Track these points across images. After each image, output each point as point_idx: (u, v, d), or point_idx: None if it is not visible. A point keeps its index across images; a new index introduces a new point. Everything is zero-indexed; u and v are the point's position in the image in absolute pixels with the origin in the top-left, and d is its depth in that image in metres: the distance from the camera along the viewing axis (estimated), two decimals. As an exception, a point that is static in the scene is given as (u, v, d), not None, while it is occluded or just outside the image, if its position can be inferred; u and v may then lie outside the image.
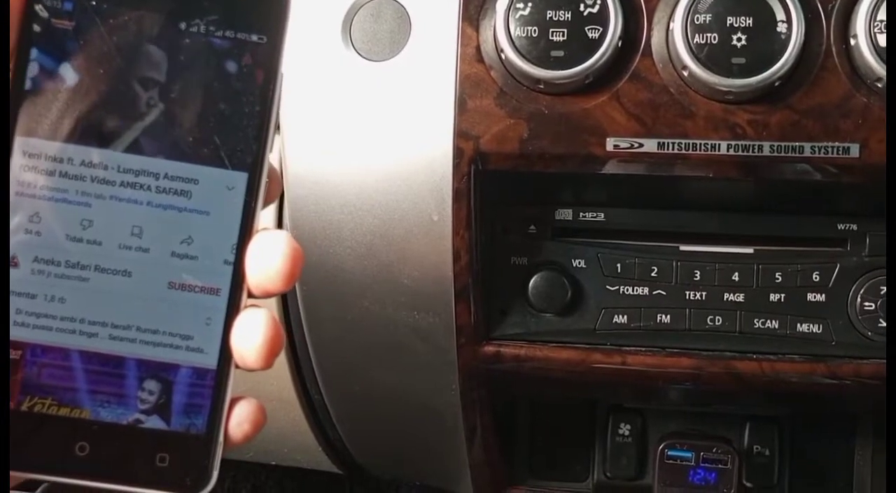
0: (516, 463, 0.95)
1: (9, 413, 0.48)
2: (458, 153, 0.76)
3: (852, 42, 0.72)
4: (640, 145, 0.74)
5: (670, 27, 0.73)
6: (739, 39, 0.71)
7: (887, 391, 0.65)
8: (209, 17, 0.49)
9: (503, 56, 0.74)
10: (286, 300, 0.87)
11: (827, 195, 0.78)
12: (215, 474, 0.49)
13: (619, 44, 0.73)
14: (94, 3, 0.48)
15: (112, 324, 0.49)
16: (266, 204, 0.50)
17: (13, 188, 0.48)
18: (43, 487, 0.53)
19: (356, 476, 1.04)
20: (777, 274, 0.79)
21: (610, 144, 0.75)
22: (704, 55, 0.71)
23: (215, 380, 0.49)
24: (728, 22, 0.71)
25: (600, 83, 0.75)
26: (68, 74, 0.48)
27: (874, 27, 0.70)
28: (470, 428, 0.87)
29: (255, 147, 0.50)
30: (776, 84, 0.72)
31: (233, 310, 0.49)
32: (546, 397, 0.94)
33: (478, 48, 0.76)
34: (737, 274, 0.80)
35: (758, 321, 0.80)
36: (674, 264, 0.80)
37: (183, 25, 0.49)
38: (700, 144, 0.74)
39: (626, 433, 0.92)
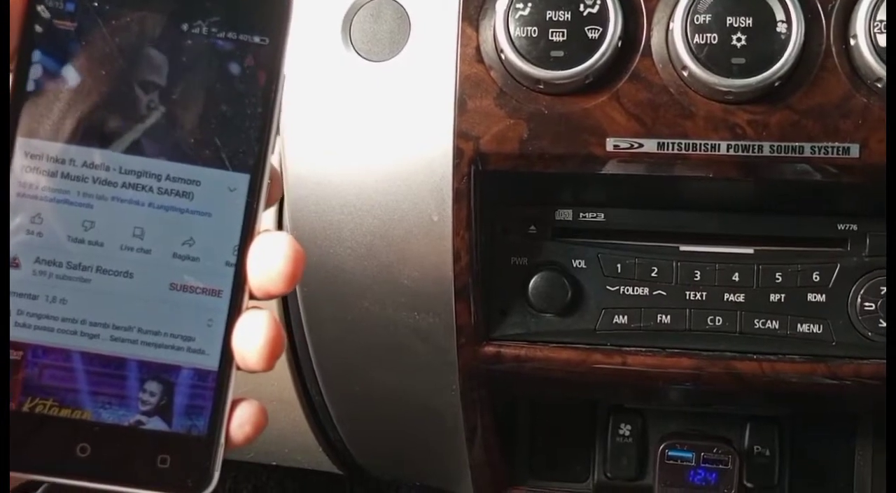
0: (517, 463, 0.95)
1: (9, 414, 0.48)
2: (458, 154, 0.76)
3: (852, 42, 0.72)
4: (640, 145, 0.74)
5: (670, 27, 0.73)
6: (739, 39, 0.71)
7: (887, 391, 0.65)
8: (211, 19, 0.49)
9: (503, 56, 0.74)
10: (286, 301, 0.87)
11: (827, 195, 0.78)
12: (216, 475, 0.49)
13: (619, 44, 0.73)
14: (96, 4, 0.48)
15: (113, 325, 0.49)
16: (268, 205, 0.50)
17: (15, 189, 0.48)
18: (43, 487, 0.53)
19: (356, 477, 1.04)
20: (777, 274, 0.79)
21: (610, 144, 0.74)
22: (704, 55, 0.71)
23: (217, 381, 0.49)
24: (728, 22, 0.71)
25: (600, 83, 0.74)
26: (70, 75, 0.48)
27: (874, 27, 0.70)
28: (470, 429, 0.87)
29: (256, 149, 0.50)
30: (776, 84, 0.72)
31: (234, 311, 0.49)
32: (546, 398, 0.94)
33: (477, 48, 0.76)
34: (737, 274, 0.80)
35: (758, 322, 0.80)
36: (674, 264, 0.80)
37: (185, 27, 0.49)
38: (700, 144, 0.74)
39: (627, 433, 0.92)
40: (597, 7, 0.73)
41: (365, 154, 0.78)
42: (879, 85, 0.71)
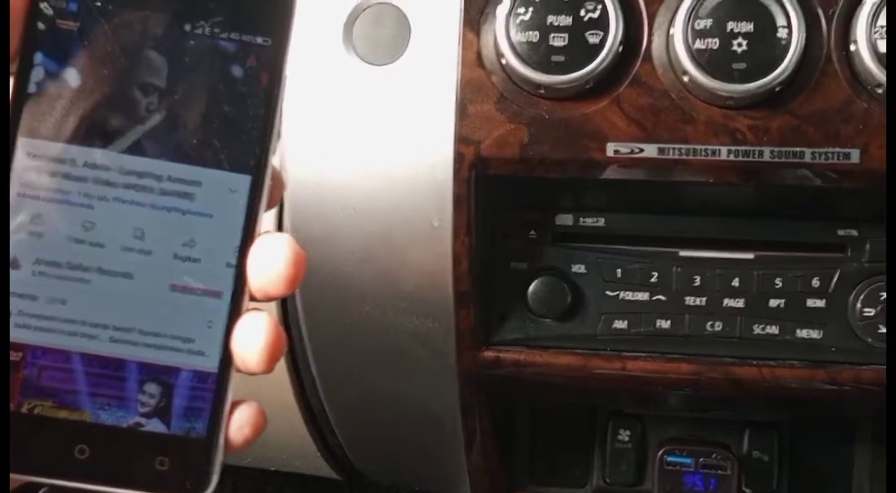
0: (516, 469, 0.95)
1: (9, 414, 0.47)
2: (458, 158, 0.76)
3: (853, 48, 0.72)
4: (641, 150, 0.74)
5: (671, 32, 0.73)
6: (740, 45, 0.71)
7: (887, 397, 0.65)
8: (214, 19, 0.49)
9: (504, 61, 0.74)
10: (286, 305, 0.87)
11: (827, 201, 0.78)
12: (215, 478, 0.49)
13: (620, 49, 0.73)
14: (98, 3, 0.48)
15: (113, 326, 0.49)
16: (269, 207, 0.50)
17: (16, 189, 0.48)
18: (43, 491, 0.53)
19: (355, 482, 1.04)
20: (777, 280, 0.79)
21: (610, 149, 0.74)
22: (705, 60, 0.71)
23: (216, 383, 0.49)
24: (728, 27, 0.71)
25: (601, 88, 0.74)
26: (72, 75, 0.48)
27: (874, 33, 0.70)
28: (469, 434, 0.87)
29: (258, 150, 0.49)
30: (777, 89, 0.72)
31: (234, 313, 0.49)
32: (546, 403, 0.94)
33: (478, 53, 0.76)
34: (737, 280, 0.80)
35: (758, 327, 0.80)
36: (674, 269, 0.80)
37: (188, 27, 0.49)
38: (700, 149, 0.74)
39: (626, 438, 0.92)
40: (598, 12, 0.73)
41: (365, 158, 0.78)
42: (880, 90, 0.71)
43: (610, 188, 0.79)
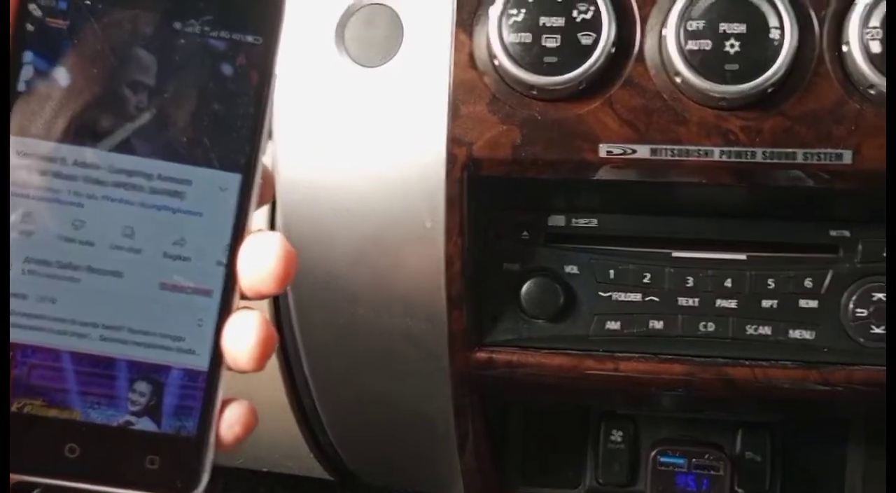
0: (508, 470, 0.94)
1: (9, 414, 0.47)
2: (451, 159, 0.76)
3: (845, 49, 0.72)
4: (634, 151, 0.74)
5: (663, 34, 0.73)
6: (732, 46, 0.71)
7: (887, 397, 0.65)
8: (204, 18, 0.49)
9: (496, 62, 0.74)
10: (278, 306, 0.87)
11: (819, 202, 0.78)
12: (206, 477, 0.49)
13: (613, 50, 0.73)
14: (88, 2, 0.48)
15: (103, 325, 0.48)
16: (259, 205, 0.50)
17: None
18: (37, 491, 0.53)
19: (348, 483, 1.03)
20: (769, 280, 0.79)
21: (603, 150, 0.74)
22: (697, 62, 0.71)
23: (206, 382, 0.49)
24: (721, 28, 0.71)
25: (593, 89, 0.74)
26: (62, 74, 0.48)
27: (866, 34, 0.70)
28: (462, 434, 0.87)
29: (248, 148, 0.49)
30: (769, 90, 0.72)
31: (225, 311, 0.49)
32: (538, 404, 0.94)
33: (471, 54, 0.76)
34: (729, 280, 0.80)
35: (750, 328, 0.80)
36: (666, 270, 0.80)
37: (178, 25, 0.49)
38: (693, 150, 0.74)
39: (619, 439, 0.92)
40: (590, 13, 0.73)
41: (358, 160, 0.78)
42: (872, 91, 0.71)
43: (602, 189, 0.79)
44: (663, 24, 0.73)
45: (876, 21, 0.70)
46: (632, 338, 0.81)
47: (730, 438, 0.92)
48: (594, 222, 0.81)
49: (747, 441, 0.91)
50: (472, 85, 0.76)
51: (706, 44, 0.71)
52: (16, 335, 0.48)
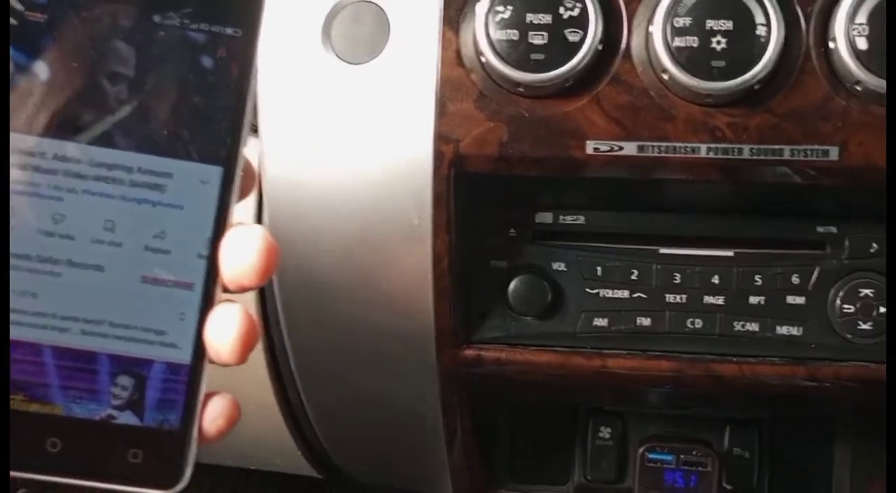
0: (496, 467, 0.94)
1: (9, 414, 0.47)
2: (438, 156, 0.76)
3: (831, 45, 0.72)
4: (620, 148, 0.74)
5: (650, 30, 0.73)
6: (719, 42, 0.71)
7: (887, 396, 0.65)
8: (184, 10, 0.49)
9: (483, 59, 0.74)
10: (265, 302, 0.86)
11: (806, 198, 0.78)
12: (189, 470, 0.49)
13: (600, 47, 0.73)
14: None
15: (84, 319, 0.48)
16: (240, 198, 0.50)
17: None
18: (21, 492, 0.53)
19: (335, 480, 1.03)
20: (757, 277, 0.80)
21: (590, 147, 0.74)
22: (684, 58, 0.71)
23: (189, 375, 0.49)
24: (707, 25, 0.71)
25: (580, 86, 0.74)
26: (41, 67, 0.48)
27: (853, 30, 0.70)
28: (450, 432, 0.87)
29: (229, 141, 0.49)
30: (756, 87, 0.72)
31: (207, 304, 0.49)
32: (526, 401, 0.94)
33: (458, 51, 0.76)
34: (717, 277, 0.80)
35: (738, 324, 0.80)
36: (654, 266, 0.80)
37: (157, 18, 0.49)
38: (680, 147, 0.74)
39: (607, 436, 0.92)
40: (577, 10, 0.73)
41: (344, 157, 0.78)
42: (859, 88, 0.71)
43: (590, 186, 0.79)
44: (650, 20, 0.73)
45: (862, 17, 0.70)
46: (619, 335, 0.81)
47: (718, 434, 0.92)
48: (581, 219, 0.81)
49: (735, 438, 0.91)
50: (458, 82, 0.76)
51: (693, 40, 0.71)
52: None
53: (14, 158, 0.48)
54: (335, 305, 0.81)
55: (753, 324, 0.80)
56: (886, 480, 0.63)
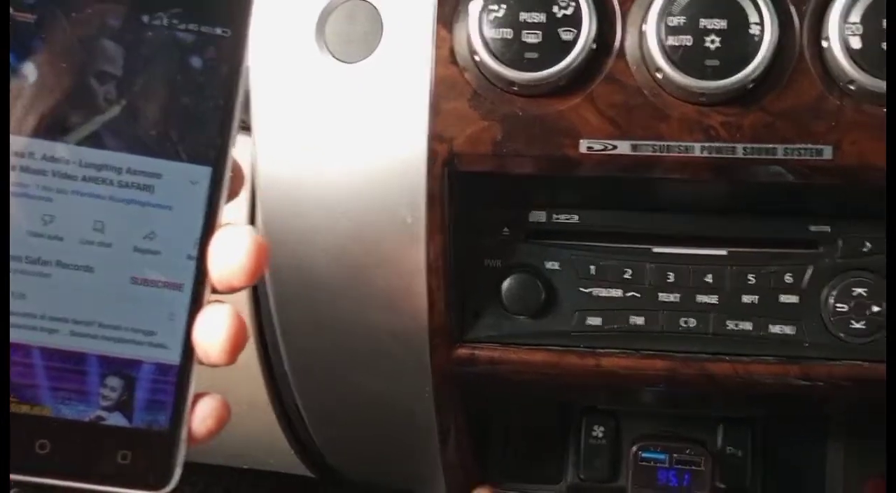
0: (490, 465, 0.95)
1: (9, 413, 0.47)
2: (431, 155, 0.76)
3: (825, 44, 0.72)
4: (614, 147, 0.74)
5: (644, 29, 0.73)
6: (713, 41, 0.71)
7: (887, 396, 0.65)
8: (173, 10, 0.49)
9: (477, 58, 0.74)
10: (258, 302, 0.86)
11: (800, 197, 0.79)
12: (178, 471, 0.49)
13: (593, 46, 0.73)
14: None
15: (74, 320, 0.48)
16: (229, 199, 0.50)
17: None
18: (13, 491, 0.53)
19: (329, 479, 1.03)
20: (750, 276, 0.80)
21: (584, 146, 0.74)
22: (678, 57, 0.71)
23: (178, 376, 0.49)
24: (701, 24, 0.71)
25: (574, 85, 0.74)
26: (30, 68, 0.48)
27: (846, 29, 0.70)
28: (443, 430, 0.87)
29: (218, 141, 0.49)
30: (749, 86, 0.72)
31: (196, 305, 0.49)
32: (520, 400, 0.94)
33: (451, 50, 0.76)
34: (710, 276, 0.80)
35: (731, 323, 0.80)
36: (647, 266, 0.80)
37: (146, 18, 0.49)
38: (674, 145, 0.74)
39: (600, 434, 0.92)
40: (571, 9, 0.73)
41: (338, 156, 0.78)
42: (852, 87, 0.71)
43: (583, 185, 0.79)
44: (644, 19, 0.73)
45: (856, 17, 0.70)
46: (613, 334, 0.81)
47: (711, 433, 0.92)
48: (575, 218, 0.81)
49: (728, 437, 0.92)
50: (452, 81, 0.76)
51: (687, 40, 0.71)
52: None
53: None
54: (329, 303, 0.81)
55: (747, 323, 0.80)
56: (887, 480, 0.63)
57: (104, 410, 0.48)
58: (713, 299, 0.80)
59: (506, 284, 0.80)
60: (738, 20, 0.71)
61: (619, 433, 0.93)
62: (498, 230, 0.82)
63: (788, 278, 0.79)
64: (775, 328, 0.79)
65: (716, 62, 0.71)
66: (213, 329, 0.48)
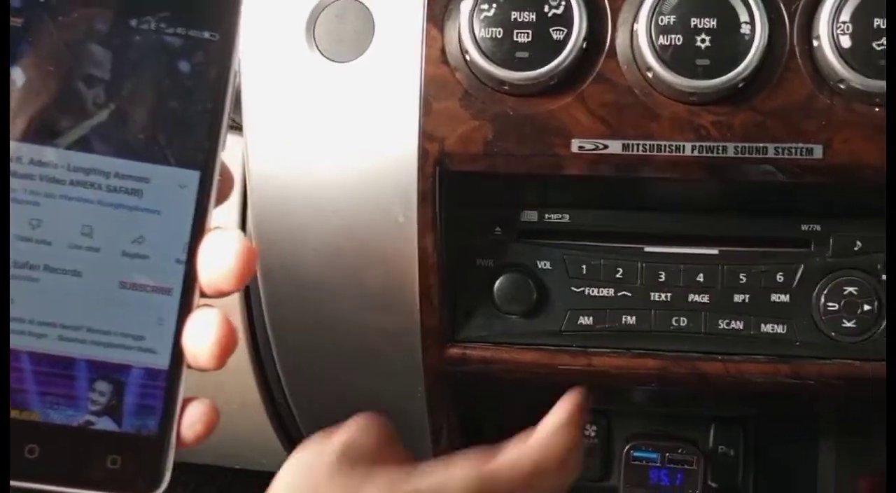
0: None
1: (9, 413, 0.47)
2: (423, 155, 0.76)
3: (815, 44, 0.72)
4: (605, 147, 0.74)
5: (634, 28, 0.73)
6: (703, 41, 0.71)
7: (887, 396, 0.65)
8: (160, 14, 0.49)
9: (468, 57, 0.74)
10: (249, 302, 0.86)
11: (791, 196, 0.79)
12: (167, 475, 0.49)
13: (584, 45, 0.73)
14: (43, 0, 0.48)
15: (62, 324, 0.48)
16: (218, 203, 0.50)
17: None
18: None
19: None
20: (741, 275, 0.80)
21: (575, 145, 0.74)
22: (669, 57, 0.71)
23: (167, 381, 0.49)
24: (692, 23, 0.71)
25: (565, 85, 0.74)
26: (17, 72, 0.48)
27: (837, 29, 0.70)
28: (436, 429, 0.87)
29: (207, 145, 0.49)
30: (740, 85, 0.72)
31: (185, 309, 0.49)
32: (512, 399, 0.94)
33: (442, 50, 0.76)
34: (701, 275, 0.80)
35: (722, 322, 0.80)
36: (639, 265, 0.80)
37: (133, 22, 0.49)
38: (665, 145, 0.74)
39: (592, 434, 0.92)
40: (561, 8, 0.73)
41: (329, 155, 0.78)
42: (842, 86, 0.71)
43: (574, 185, 0.78)
44: (635, 18, 0.73)
45: (846, 16, 0.70)
46: (605, 333, 0.81)
47: (703, 432, 0.92)
48: (566, 218, 0.81)
49: (720, 436, 0.92)
50: (443, 80, 0.76)
51: (677, 39, 0.71)
52: None
53: None
54: (320, 302, 0.81)
55: (738, 322, 0.80)
56: (887, 480, 0.63)
57: (93, 414, 0.48)
58: (704, 298, 0.80)
59: (498, 283, 0.80)
60: (729, 19, 0.71)
61: (610, 432, 0.93)
62: (489, 230, 0.82)
63: (779, 277, 0.79)
64: (766, 327, 0.79)
65: (706, 61, 0.71)
66: (203, 334, 0.48)
